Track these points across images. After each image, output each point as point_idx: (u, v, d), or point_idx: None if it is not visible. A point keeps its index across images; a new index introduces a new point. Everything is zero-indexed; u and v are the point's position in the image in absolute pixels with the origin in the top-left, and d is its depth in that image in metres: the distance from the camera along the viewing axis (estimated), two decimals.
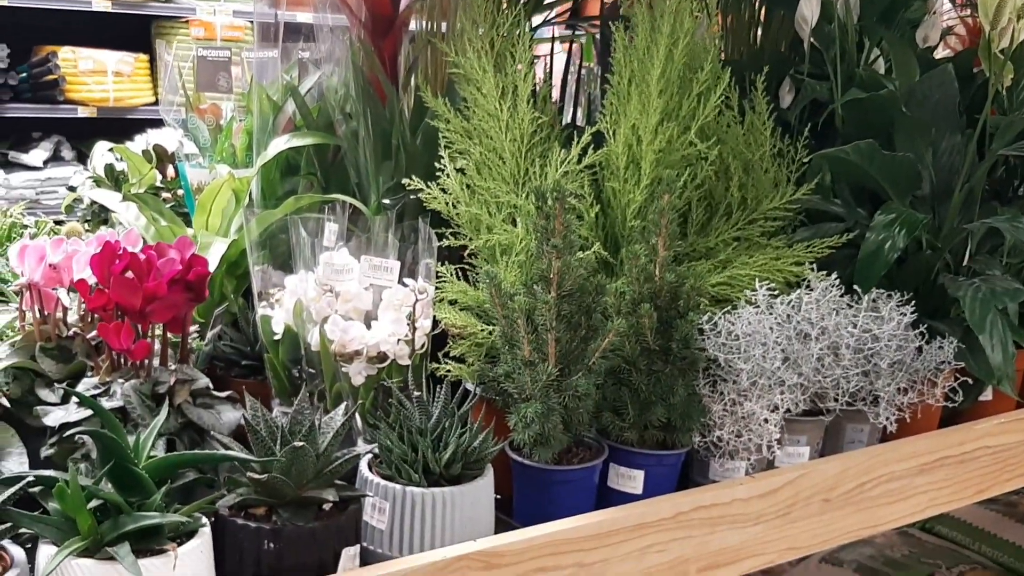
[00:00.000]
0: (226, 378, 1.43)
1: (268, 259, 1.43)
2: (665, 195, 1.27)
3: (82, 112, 4.49)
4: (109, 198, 1.65)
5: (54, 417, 1.09)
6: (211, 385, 1.17)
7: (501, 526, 1.17)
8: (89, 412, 1.07)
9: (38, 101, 4.43)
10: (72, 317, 1.23)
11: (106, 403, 1.09)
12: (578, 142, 1.39)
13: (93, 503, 0.92)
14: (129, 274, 1.08)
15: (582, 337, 1.21)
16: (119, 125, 3.81)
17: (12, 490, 0.91)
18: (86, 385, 1.12)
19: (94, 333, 1.18)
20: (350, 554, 1.04)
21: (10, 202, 2.97)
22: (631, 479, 1.27)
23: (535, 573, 1.10)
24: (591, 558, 1.15)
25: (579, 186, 1.39)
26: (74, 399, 1.08)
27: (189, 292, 1.12)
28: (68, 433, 1.01)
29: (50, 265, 1.18)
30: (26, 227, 1.78)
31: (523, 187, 1.38)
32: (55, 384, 1.17)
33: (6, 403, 1.09)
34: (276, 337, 1.34)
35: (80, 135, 4.54)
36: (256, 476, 1.00)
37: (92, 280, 1.14)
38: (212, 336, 1.39)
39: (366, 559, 1.08)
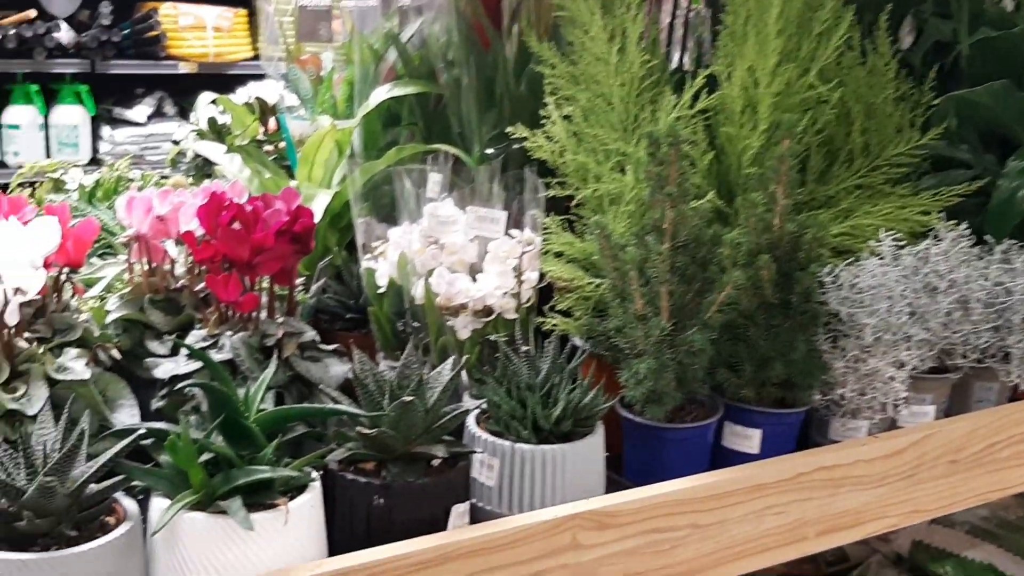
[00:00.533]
0: (330, 331, 1.42)
1: (371, 211, 1.41)
2: (785, 140, 1.21)
3: (183, 68, 4.55)
4: (213, 150, 1.65)
5: (164, 369, 1.09)
6: (318, 338, 1.15)
7: (611, 485, 1.13)
8: (198, 365, 1.06)
9: (140, 57, 4.50)
10: (180, 269, 1.22)
11: (215, 356, 1.08)
12: (691, 86, 1.32)
13: (204, 456, 0.91)
14: (236, 225, 1.07)
15: (697, 290, 1.16)
16: (219, 80, 3.85)
17: (125, 443, 0.90)
18: (195, 337, 1.11)
19: (202, 285, 1.18)
20: (459, 511, 1.02)
21: (115, 157, 3.02)
22: (747, 438, 1.22)
23: (649, 534, 1.07)
24: (707, 519, 1.11)
25: (692, 132, 1.33)
26: (183, 351, 1.08)
27: (296, 244, 1.10)
28: (179, 386, 1.00)
29: (157, 217, 1.17)
30: (132, 180, 1.79)
31: (633, 134, 1.33)
32: (164, 336, 1.16)
33: (117, 355, 1.09)
34: (380, 290, 1.33)
35: (181, 91, 4.60)
36: (365, 431, 0.99)
37: (199, 232, 1.13)
38: (316, 289, 1.37)
39: (475, 516, 1.05)
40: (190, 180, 2.00)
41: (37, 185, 1.86)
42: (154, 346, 1.16)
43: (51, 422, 0.92)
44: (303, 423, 1.02)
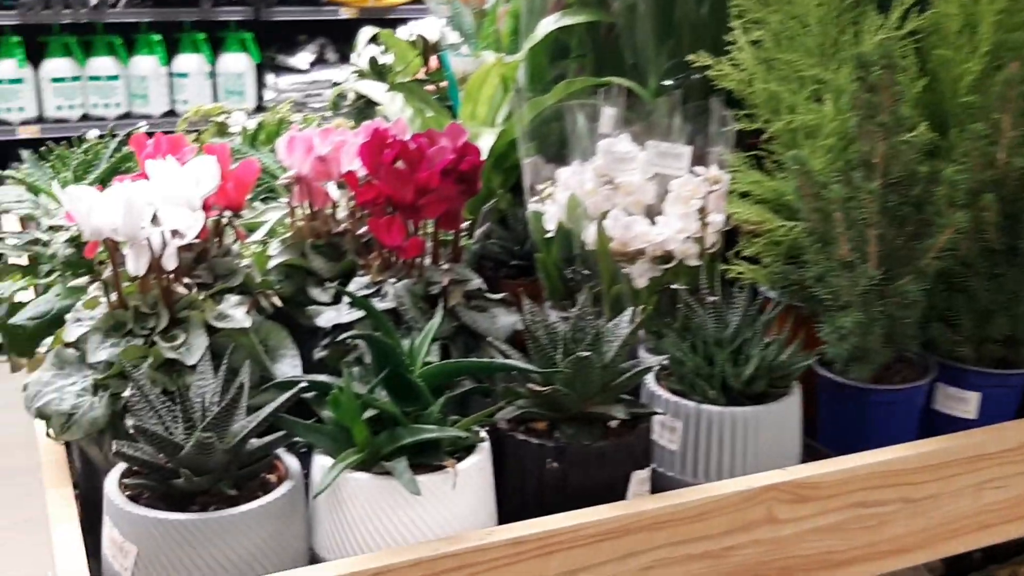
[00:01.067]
0: (494, 279, 1.34)
1: (538, 150, 1.31)
2: (1013, 63, 1.05)
3: (344, 13, 4.55)
4: (374, 90, 1.59)
5: (326, 318, 1.03)
6: (484, 286, 1.08)
7: (807, 453, 1.02)
8: (361, 313, 1.00)
9: (303, 3, 4.52)
10: (342, 213, 1.17)
11: (378, 304, 1.02)
12: (899, 3, 1.17)
13: (367, 413, 0.85)
14: (400, 164, 0.99)
15: (910, 234, 1.02)
16: (380, 25, 3.82)
17: (286, 396, 0.85)
18: (357, 284, 1.05)
19: (364, 230, 1.12)
20: (640, 477, 0.92)
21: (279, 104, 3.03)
22: (963, 402, 1.08)
23: (853, 508, 0.95)
24: (919, 493, 0.98)
25: (900, 56, 1.17)
26: (346, 299, 1.02)
27: (462, 184, 1.02)
28: (341, 337, 0.94)
29: (318, 157, 1.11)
30: (293, 123, 1.75)
31: (832, 59, 1.18)
32: (326, 283, 1.11)
33: (279, 302, 1.04)
34: (548, 235, 1.24)
35: (343, 37, 4.61)
36: (537, 388, 0.90)
37: (361, 172, 1.06)
38: (480, 235, 1.29)
39: (657, 484, 0.96)
40: (351, 124, 1.96)
41: (202, 131, 1.85)
42: (316, 293, 1.11)
43: (210, 373, 0.88)
44: (470, 378, 0.94)
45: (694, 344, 1.00)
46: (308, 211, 1.14)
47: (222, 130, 1.88)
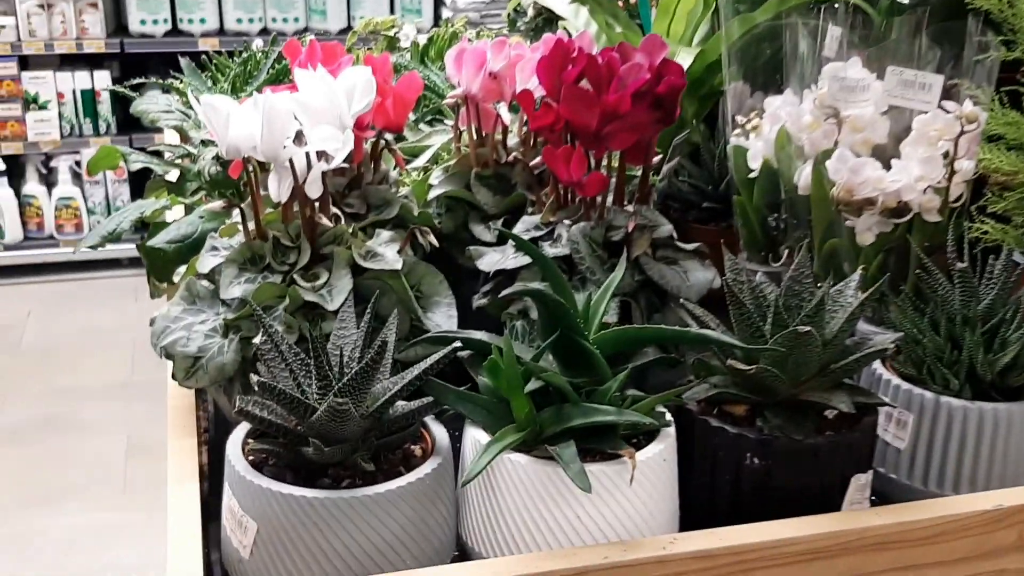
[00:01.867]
0: (681, 223, 1.17)
1: (744, 75, 1.12)
2: None
3: None
4: (556, 2, 1.42)
5: (488, 261, 0.89)
6: (675, 234, 0.91)
7: None
8: (528, 259, 0.85)
9: None
10: (513, 140, 1.02)
11: (549, 249, 0.87)
12: None
13: (531, 385, 0.70)
14: (584, 84, 0.83)
15: None
16: None
17: (438, 356, 0.71)
18: (526, 225, 0.90)
19: (537, 160, 0.96)
20: (860, 483, 0.75)
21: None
22: None
23: None
24: None
25: None
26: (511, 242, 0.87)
27: (657, 110, 0.85)
28: (504, 294, 0.78)
29: (490, 73, 0.96)
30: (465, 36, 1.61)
31: None
32: (491, 221, 0.97)
33: (435, 242, 0.90)
34: (751, 175, 1.06)
35: None
36: (739, 366, 0.74)
37: (538, 93, 0.91)
38: (668, 170, 1.12)
39: (877, 490, 0.79)
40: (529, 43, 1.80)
41: (370, 46, 1.74)
42: (479, 231, 0.97)
43: (352, 321, 0.75)
44: (655, 347, 0.78)
45: (934, 320, 0.81)
46: (475, 136, 1.00)
47: (392, 44, 1.75)
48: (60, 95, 3.77)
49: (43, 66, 3.77)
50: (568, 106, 0.83)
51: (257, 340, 0.74)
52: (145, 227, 1.09)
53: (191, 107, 1.12)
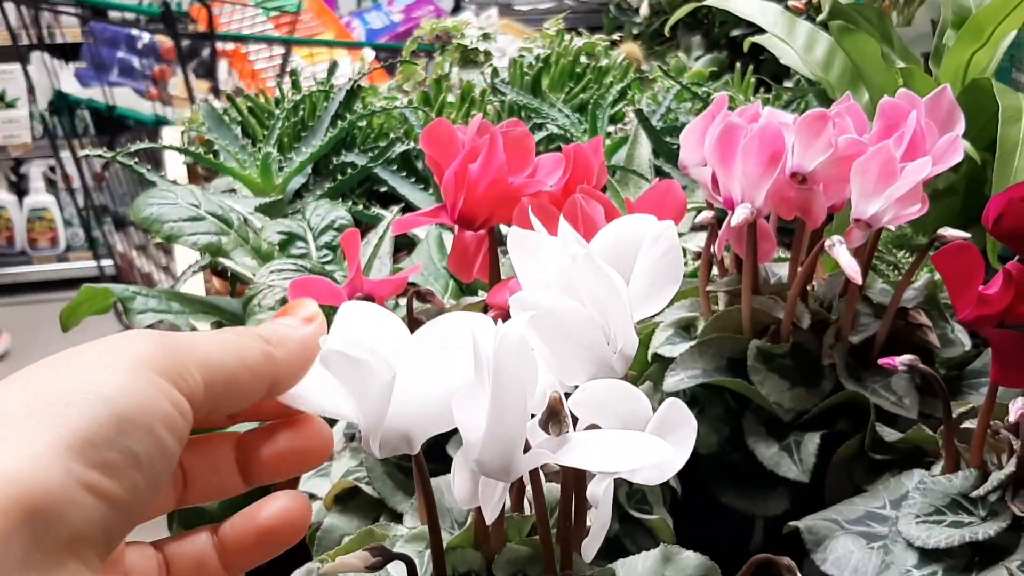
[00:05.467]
0: None
1: None
2: None
3: None
4: (747, 6, 0.98)
5: (846, 563, 0.45)
6: None
7: None
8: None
9: None
10: (820, 286, 0.58)
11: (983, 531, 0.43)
12: None
13: None
14: None
15: None
16: None
17: None
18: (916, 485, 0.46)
19: (873, 330, 0.52)
20: None
21: None
22: None
23: None
24: None
25: None
26: None
27: None
28: None
29: (793, 175, 0.52)
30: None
31: None
32: (791, 433, 0.53)
33: None
34: None
35: None
36: None
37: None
38: None
39: None
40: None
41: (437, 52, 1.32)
42: (766, 452, 0.54)
43: None
44: None
45: None
46: (749, 275, 0.56)
47: (467, 55, 1.32)
48: (30, 92, 3.30)
49: (9, 58, 3.29)
50: None
51: None
52: None
53: (226, 205, 0.66)
